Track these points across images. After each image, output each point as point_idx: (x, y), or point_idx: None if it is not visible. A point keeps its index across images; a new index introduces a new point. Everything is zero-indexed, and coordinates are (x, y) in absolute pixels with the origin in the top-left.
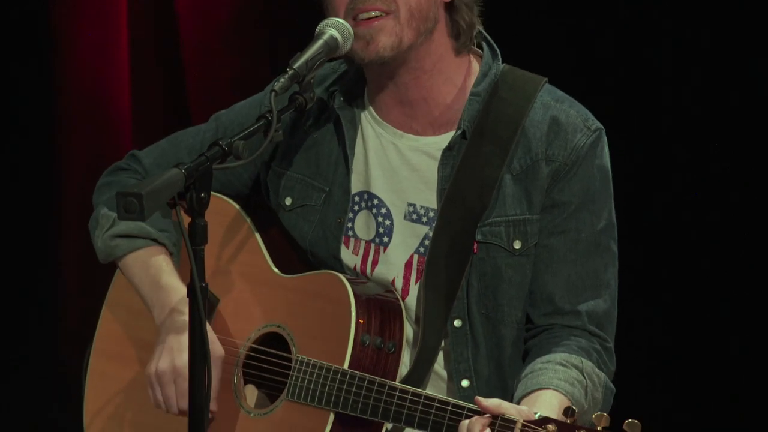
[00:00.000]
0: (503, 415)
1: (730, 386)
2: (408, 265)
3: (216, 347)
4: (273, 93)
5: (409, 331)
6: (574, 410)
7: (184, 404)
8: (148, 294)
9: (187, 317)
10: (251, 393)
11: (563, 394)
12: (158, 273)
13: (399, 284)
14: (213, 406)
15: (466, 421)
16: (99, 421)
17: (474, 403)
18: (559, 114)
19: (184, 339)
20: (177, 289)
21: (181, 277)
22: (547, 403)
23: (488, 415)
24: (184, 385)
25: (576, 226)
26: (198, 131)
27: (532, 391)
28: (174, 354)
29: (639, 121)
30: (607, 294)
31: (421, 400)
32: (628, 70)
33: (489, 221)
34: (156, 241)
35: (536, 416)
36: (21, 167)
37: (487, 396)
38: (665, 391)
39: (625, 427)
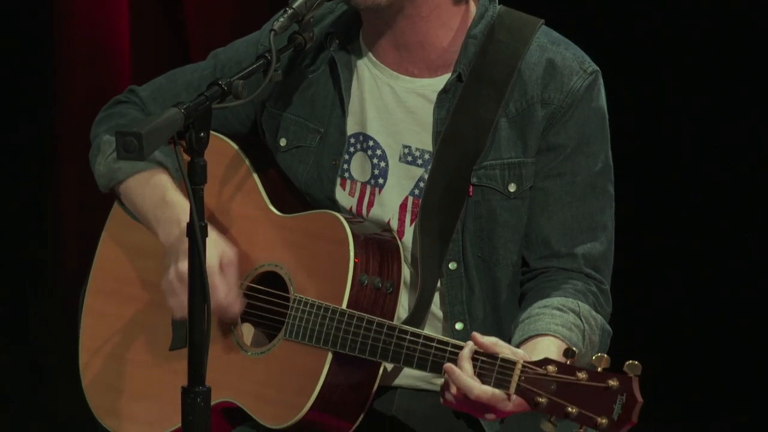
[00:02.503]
0: (498, 354)
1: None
2: (403, 207)
3: (227, 250)
4: (272, 32)
5: (405, 272)
6: (574, 351)
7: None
8: (152, 211)
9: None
10: (248, 332)
11: (561, 339)
12: (163, 191)
13: (394, 226)
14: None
15: (466, 353)
16: (95, 360)
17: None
18: (555, 56)
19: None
20: (184, 205)
21: (186, 197)
22: (545, 349)
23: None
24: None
25: (572, 168)
26: (196, 68)
27: (530, 337)
28: None
29: (636, 63)
30: (604, 236)
31: (420, 340)
32: (625, 10)
33: (484, 164)
34: (159, 164)
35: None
36: (18, 109)
37: None
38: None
39: (625, 368)
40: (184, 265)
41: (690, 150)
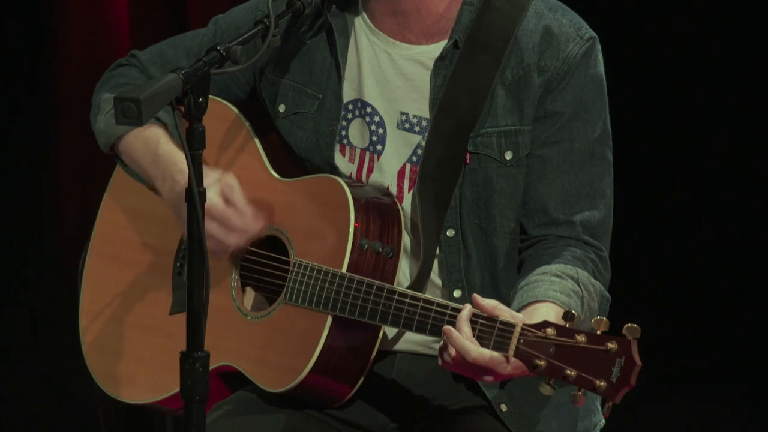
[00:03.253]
0: (498, 317)
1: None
2: (401, 173)
3: (228, 178)
4: None
5: (405, 238)
6: (573, 314)
7: (232, 239)
8: (149, 168)
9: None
10: (248, 296)
11: (560, 305)
12: (156, 145)
13: (393, 192)
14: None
15: (465, 315)
16: (95, 324)
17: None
18: (552, 23)
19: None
20: (175, 156)
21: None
22: (544, 316)
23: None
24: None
25: (569, 136)
26: (197, 34)
27: (529, 304)
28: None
29: (634, 32)
30: (603, 203)
31: (420, 303)
32: None
33: (481, 132)
34: (158, 119)
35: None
36: (16, 76)
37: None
38: (664, 299)
39: (624, 331)
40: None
41: (693, 117)
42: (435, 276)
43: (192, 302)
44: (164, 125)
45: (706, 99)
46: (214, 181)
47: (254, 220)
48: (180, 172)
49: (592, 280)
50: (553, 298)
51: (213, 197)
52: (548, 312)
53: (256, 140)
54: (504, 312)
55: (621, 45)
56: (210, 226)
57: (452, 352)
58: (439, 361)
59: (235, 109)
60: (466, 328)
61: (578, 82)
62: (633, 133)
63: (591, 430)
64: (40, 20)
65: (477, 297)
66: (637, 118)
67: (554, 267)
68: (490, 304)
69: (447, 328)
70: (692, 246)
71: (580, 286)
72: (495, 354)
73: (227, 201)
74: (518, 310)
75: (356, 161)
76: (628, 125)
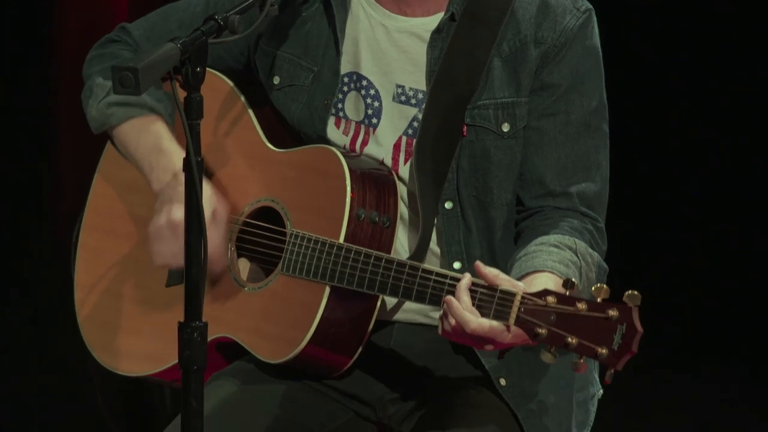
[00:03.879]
0: (499, 286)
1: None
2: (396, 146)
3: (218, 206)
4: None
5: (402, 210)
6: (573, 282)
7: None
8: (146, 158)
9: None
10: (245, 268)
11: (558, 275)
12: (158, 138)
13: (388, 165)
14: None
15: (464, 284)
16: (91, 297)
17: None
18: None
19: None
20: (179, 153)
21: (180, 145)
22: (543, 285)
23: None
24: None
25: (566, 108)
26: (189, 5)
27: (527, 274)
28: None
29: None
30: (599, 175)
31: (419, 272)
32: None
33: (478, 104)
34: (152, 110)
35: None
36: (15, 43)
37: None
38: (662, 268)
39: (625, 298)
40: (177, 214)
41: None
42: (434, 245)
43: (190, 272)
44: (161, 116)
45: (701, 78)
46: (211, 199)
47: (220, 258)
48: (182, 171)
49: (590, 250)
50: (551, 268)
51: (205, 210)
52: (547, 282)
53: (251, 112)
54: (505, 281)
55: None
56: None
57: (453, 322)
58: (439, 330)
59: (229, 82)
60: (465, 297)
61: (575, 54)
62: (627, 107)
63: (589, 401)
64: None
65: (480, 265)
66: (630, 93)
67: (552, 237)
68: (492, 272)
69: (448, 298)
70: (690, 218)
71: (578, 257)
72: (495, 324)
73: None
74: (516, 280)
75: (350, 134)
76: (623, 100)
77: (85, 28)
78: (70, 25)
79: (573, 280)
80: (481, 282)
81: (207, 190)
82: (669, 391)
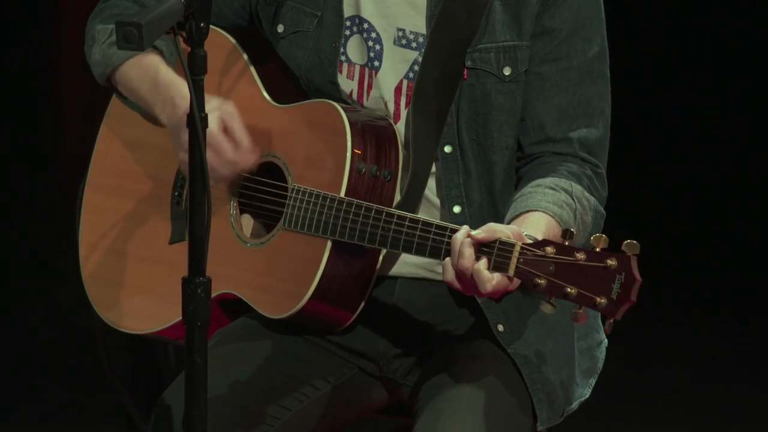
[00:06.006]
0: (499, 238)
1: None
2: (398, 90)
3: (227, 106)
4: None
5: (401, 157)
6: (572, 232)
7: (229, 157)
8: (148, 95)
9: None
10: (247, 223)
11: (551, 215)
12: (156, 72)
13: (391, 109)
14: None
15: (461, 237)
16: (95, 255)
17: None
18: None
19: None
20: (176, 83)
21: (177, 74)
22: (534, 224)
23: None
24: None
25: (567, 53)
26: None
27: (521, 213)
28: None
29: None
30: (601, 121)
31: (419, 225)
32: None
33: (479, 47)
34: (154, 47)
35: (524, 234)
36: (18, 4)
37: (480, 223)
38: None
39: (623, 247)
40: (182, 153)
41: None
42: (433, 195)
43: (194, 228)
44: (161, 53)
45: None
46: (213, 107)
47: (249, 153)
48: (181, 97)
49: (587, 194)
50: (545, 208)
51: (211, 124)
52: (539, 220)
53: (253, 69)
54: (500, 233)
55: None
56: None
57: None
58: (446, 276)
59: (231, 39)
60: (468, 250)
61: None
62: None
63: (594, 348)
64: None
65: (473, 234)
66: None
67: (548, 180)
68: (487, 231)
69: (466, 266)
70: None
71: (573, 199)
72: (500, 278)
73: (225, 129)
74: (510, 221)
75: (356, 78)
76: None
77: None
78: None
79: (572, 229)
80: (479, 232)
81: (209, 101)
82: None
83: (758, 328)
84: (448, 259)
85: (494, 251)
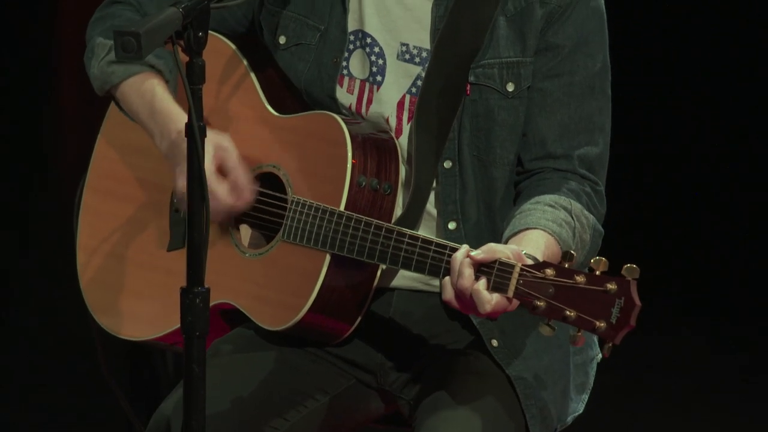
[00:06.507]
0: (499, 259)
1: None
2: (400, 105)
3: (225, 144)
4: None
5: (404, 172)
6: (572, 254)
7: (224, 201)
8: (145, 121)
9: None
10: (246, 234)
11: (550, 233)
12: (152, 99)
13: (392, 124)
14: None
15: (461, 257)
16: (93, 260)
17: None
18: None
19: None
20: (172, 114)
21: (179, 104)
22: (533, 242)
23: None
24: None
25: (570, 69)
26: None
27: (520, 231)
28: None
29: None
30: (601, 138)
31: (419, 242)
32: None
33: (482, 63)
34: (152, 67)
35: (524, 253)
36: (19, 4)
37: (477, 239)
38: (662, 237)
39: (623, 271)
40: (179, 183)
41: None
42: (431, 207)
43: (192, 237)
44: (160, 72)
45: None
46: (207, 141)
47: (245, 192)
48: (178, 132)
49: (585, 212)
50: (544, 226)
51: (206, 162)
52: (538, 239)
53: (253, 76)
54: (504, 250)
55: None
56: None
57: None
58: (445, 295)
59: (232, 45)
60: (467, 270)
61: (580, 14)
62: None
63: (588, 363)
64: None
65: (473, 254)
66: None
67: (548, 197)
68: (487, 251)
69: (465, 288)
70: (682, 180)
71: (572, 217)
72: (499, 299)
73: (220, 168)
74: (509, 238)
75: (356, 92)
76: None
77: None
78: None
79: (572, 252)
80: (479, 253)
81: (217, 134)
82: (674, 352)
83: (756, 339)
84: (447, 278)
85: (494, 271)
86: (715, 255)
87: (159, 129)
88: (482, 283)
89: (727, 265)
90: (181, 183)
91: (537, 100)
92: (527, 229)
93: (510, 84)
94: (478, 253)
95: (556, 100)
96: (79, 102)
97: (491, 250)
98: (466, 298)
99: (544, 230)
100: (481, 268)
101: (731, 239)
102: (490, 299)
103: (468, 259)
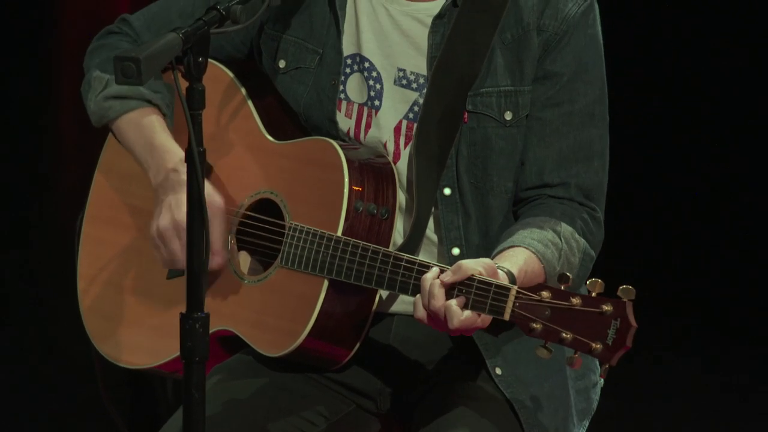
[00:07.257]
0: (471, 275)
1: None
2: (397, 129)
3: (214, 198)
4: None
5: (401, 197)
6: (568, 276)
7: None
8: (142, 156)
9: (183, 176)
10: (244, 260)
11: (533, 251)
12: (151, 134)
13: (390, 149)
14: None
15: (431, 278)
16: (93, 288)
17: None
18: None
19: (183, 196)
20: (171, 150)
21: (176, 138)
22: (512, 258)
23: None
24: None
25: (570, 97)
26: None
27: (504, 249)
28: (173, 210)
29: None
30: (600, 164)
31: (415, 267)
32: None
33: (480, 91)
34: (149, 102)
35: (497, 266)
36: (16, 34)
37: None
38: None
39: (619, 293)
40: (164, 221)
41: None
42: (431, 233)
43: (191, 263)
44: (157, 107)
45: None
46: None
47: (216, 257)
48: (174, 171)
49: (576, 236)
50: (528, 245)
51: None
52: (519, 255)
53: (251, 102)
54: (471, 269)
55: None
56: (174, 244)
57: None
58: (417, 313)
59: (230, 72)
60: (438, 291)
61: (577, 42)
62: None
63: (591, 389)
64: None
65: (441, 276)
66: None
67: (539, 219)
68: (456, 270)
69: (440, 309)
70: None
71: (561, 239)
72: (469, 315)
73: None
74: (494, 256)
75: (354, 116)
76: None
77: (87, 18)
78: (72, 15)
79: (568, 274)
80: (475, 278)
81: (206, 186)
82: (673, 378)
83: (755, 362)
84: (418, 296)
85: (490, 295)
86: (715, 274)
87: (156, 163)
88: (454, 301)
89: (730, 286)
90: (168, 217)
91: (536, 129)
92: (511, 246)
93: (508, 113)
94: (448, 276)
95: (555, 129)
96: (77, 132)
97: (461, 269)
98: (439, 318)
99: (527, 248)
100: (478, 293)
101: (732, 261)
102: (459, 314)
103: (438, 281)
